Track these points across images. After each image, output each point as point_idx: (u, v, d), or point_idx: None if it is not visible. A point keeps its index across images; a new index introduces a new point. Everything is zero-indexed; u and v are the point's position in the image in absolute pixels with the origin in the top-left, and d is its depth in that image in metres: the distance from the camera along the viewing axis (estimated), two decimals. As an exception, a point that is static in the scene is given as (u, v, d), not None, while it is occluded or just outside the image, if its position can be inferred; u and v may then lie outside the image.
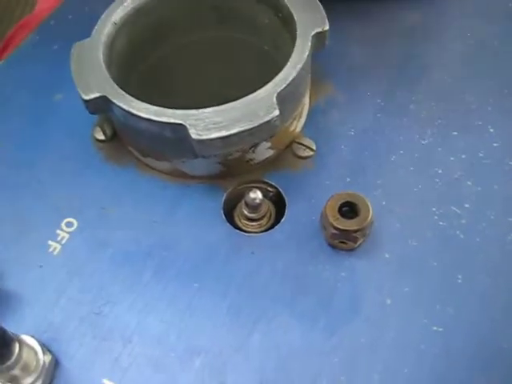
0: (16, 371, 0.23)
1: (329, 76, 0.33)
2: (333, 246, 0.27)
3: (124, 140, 0.30)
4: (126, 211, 0.29)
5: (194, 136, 0.25)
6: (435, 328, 0.25)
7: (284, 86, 0.26)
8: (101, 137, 0.31)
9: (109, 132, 0.31)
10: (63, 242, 0.28)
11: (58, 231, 0.28)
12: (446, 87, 0.32)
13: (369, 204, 0.26)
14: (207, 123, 0.26)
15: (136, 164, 0.30)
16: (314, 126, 0.31)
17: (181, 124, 0.26)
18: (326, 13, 0.28)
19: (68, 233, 0.28)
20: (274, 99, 0.26)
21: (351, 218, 0.26)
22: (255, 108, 0.26)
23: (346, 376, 0.25)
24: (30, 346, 0.24)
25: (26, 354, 0.23)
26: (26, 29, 0.43)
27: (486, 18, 0.35)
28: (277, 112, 0.26)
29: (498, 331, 0.25)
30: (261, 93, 0.26)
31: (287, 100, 0.27)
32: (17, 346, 0.23)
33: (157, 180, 0.30)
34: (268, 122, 0.26)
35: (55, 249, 0.28)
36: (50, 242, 0.28)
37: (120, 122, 0.28)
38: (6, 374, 0.23)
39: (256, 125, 0.26)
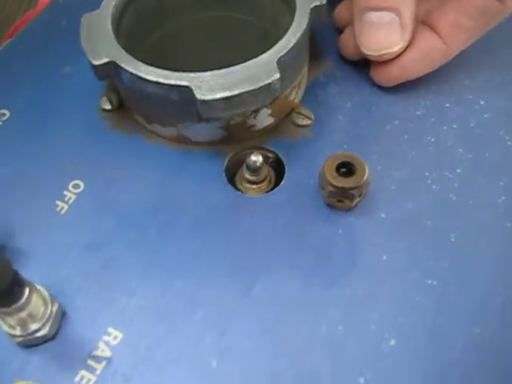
0: (24, 314, 0.24)
1: (328, 54, 0.35)
2: (331, 206, 0.28)
3: (130, 108, 0.32)
4: (132, 175, 0.30)
5: (198, 96, 0.27)
6: (430, 281, 0.27)
7: (284, 51, 0.28)
8: (107, 106, 0.32)
9: (115, 102, 0.32)
10: (70, 202, 0.29)
11: (66, 192, 0.29)
12: (441, 65, 0.34)
13: (365, 164, 0.27)
14: (211, 85, 0.27)
15: (142, 132, 0.31)
16: (313, 98, 0.33)
17: (187, 86, 0.27)
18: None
19: (75, 194, 0.29)
20: (275, 64, 0.27)
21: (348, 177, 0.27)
22: (257, 72, 0.27)
23: (343, 325, 0.25)
24: (39, 293, 0.25)
25: (34, 299, 0.24)
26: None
27: None
28: (277, 75, 0.27)
29: (490, 285, 0.26)
30: (262, 58, 0.28)
31: (287, 66, 0.28)
32: (27, 289, 0.24)
33: (162, 146, 0.31)
34: (269, 84, 0.27)
35: (62, 208, 0.29)
36: (57, 202, 0.29)
37: (127, 89, 0.30)
38: (15, 317, 0.24)
39: (257, 87, 0.27)
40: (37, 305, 0.24)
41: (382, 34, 0.29)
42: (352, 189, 0.27)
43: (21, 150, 0.31)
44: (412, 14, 0.29)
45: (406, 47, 0.30)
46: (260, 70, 0.27)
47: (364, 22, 0.30)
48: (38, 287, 0.25)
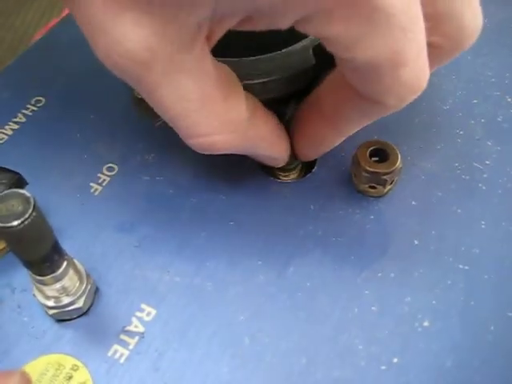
0: (60, 285, 0.24)
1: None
2: (362, 192, 0.29)
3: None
4: (165, 159, 0.30)
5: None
6: (461, 266, 0.27)
7: (319, 41, 0.29)
8: (140, 95, 0.33)
9: (148, 91, 0.33)
10: (104, 184, 0.30)
11: (100, 175, 0.30)
12: (468, 64, 0.34)
13: (397, 150, 0.28)
14: (248, 70, 0.28)
15: (174, 120, 0.32)
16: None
17: (224, 71, 0.28)
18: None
19: (109, 176, 0.30)
20: (311, 51, 0.28)
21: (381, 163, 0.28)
22: (293, 58, 0.28)
23: (377, 306, 0.26)
24: (76, 267, 0.25)
25: (71, 272, 0.24)
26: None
27: (502, 2, 0.37)
28: (313, 61, 0.28)
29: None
30: (297, 46, 0.28)
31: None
32: (65, 261, 0.24)
33: (194, 133, 0.31)
34: (305, 70, 0.28)
35: (96, 190, 0.29)
36: (91, 184, 0.30)
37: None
38: (52, 287, 0.24)
39: (293, 73, 0.28)
40: (73, 278, 0.25)
41: None
42: (385, 174, 0.27)
43: (58, 134, 0.32)
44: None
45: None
46: (296, 56, 0.28)
47: None
48: (75, 261, 0.25)
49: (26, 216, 0.20)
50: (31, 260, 0.22)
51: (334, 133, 0.27)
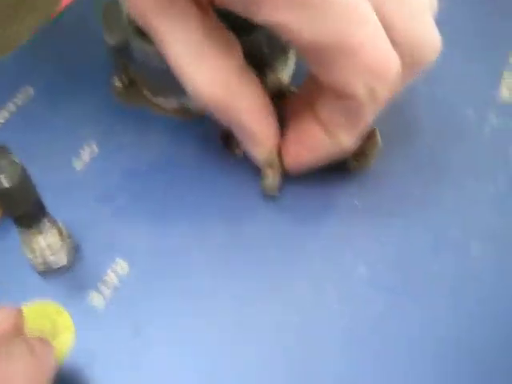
0: (43, 239, 0.28)
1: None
2: (346, 167, 0.32)
3: (139, 84, 0.36)
4: (139, 140, 0.34)
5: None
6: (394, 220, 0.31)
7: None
8: (119, 84, 0.37)
9: (126, 80, 0.37)
10: (86, 160, 0.34)
11: (81, 151, 0.34)
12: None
13: (374, 126, 0.30)
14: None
15: (148, 105, 0.36)
16: (299, 79, 0.37)
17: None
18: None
19: (89, 153, 0.34)
20: (264, 40, 0.32)
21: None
22: (248, 46, 0.32)
23: (320, 257, 0.29)
24: (57, 226, 0.29)
25: (54, 229, 0.28)
26: None
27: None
28: (266, 50, 0.32)
29: (445, 221, 0.30)
30: (253, 35, 0.32)
31: (273, 44, 0.33)
32: (48, 217, 0.28)
33: (166, 117, 0.35)
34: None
35: (78, 165, 0.33)
36: (73, 160, 0.34)
37: (137, 66, 0.34)
38: (35, 241, 0.28)
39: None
40: (55, 235, 0.28)
41: None
42: (367, 146, 0.31)
43: (42, 121, 0.36)
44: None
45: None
46: (251, 45, 0.32)
47: None
48: (57, 221, 0.29)
49: (15, 175, 0.24)
50: (19, 214, 0.26)
51: (330, 140, 0.28)
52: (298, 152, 0.30)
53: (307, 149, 0.29)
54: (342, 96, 0.25)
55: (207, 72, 0.27)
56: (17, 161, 0.25)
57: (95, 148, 0.34)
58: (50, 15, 0.43)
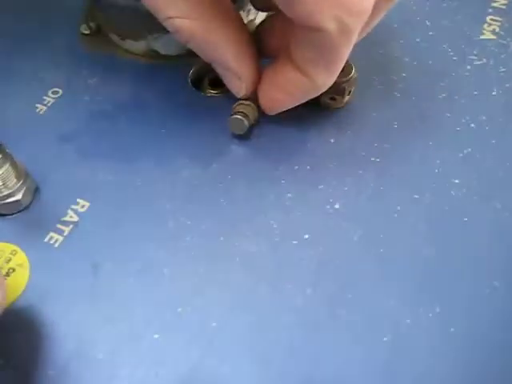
0: (-2, 175, 0.26)
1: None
2: (324, 105, 0.31)
3: (106, 28, 0.35)
4: (106, 82, 0.33)
5: None
6: (373, 159, 0.29)
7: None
8: (86, 31, 0.35)
9: (93, 26, 0.35)
10: (49, 104, 0.32)
11: (45, 97, 0.32)
12: None
13: (350, 62, 0.29)
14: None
15: (117, 50, 0.35)
16: (273, 22, 0.36)
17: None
18: None
19: (54, 98, 0.32)
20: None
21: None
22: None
23: (292, 193, 0.28)
24: (15, 163, 0.27)
25: (8, 165, 0.27)
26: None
27: None
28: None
29: (425, 154, 0.29)
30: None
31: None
32: (2, 153, 0.26)
33: (134, 61, 0.34)
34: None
35: (41, 110, 0.32)
36: (37, 105, 0.32)
37: (102, 6, 0.33)
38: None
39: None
40: (10, 172, 0.27)
41: None
42: (343, 83, 0.29)
43: (7, 64, 0.34)
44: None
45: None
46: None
47: None
48: (14, 158, 0.28)
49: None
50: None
51: (304, 79, 0.27)
52: (274, 94, 0.29)
53: (283, 90, 0.28)
54: (312, 30, 0.24)
55: (183, 6, 0.26)
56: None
57: (60, 92, 0.33)
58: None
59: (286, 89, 0.28)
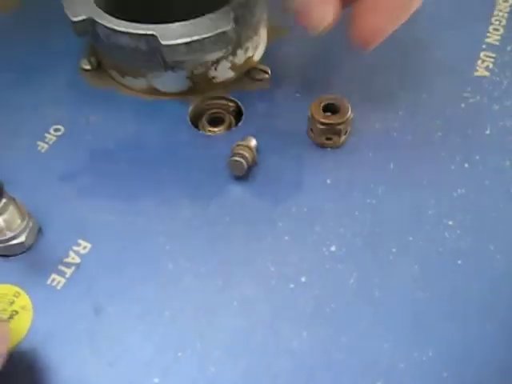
0: (1, 220, 0.27)
1: (286, 22, 0.38)
2: (319, 145, 0.32)
3: (107, 65, 0.35)
4: (107, 120, 0.34)
5: (163, 42, 0.30)
6: (368, 201, 0.30)
7: (239, 7, 0.32)
8: (87, 67, 0.36)
9: (94, 62, 0.36)
10: (50, 142, 0.33)
11: (47, 134, 0.33)
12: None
13: (347, 102, 0.31)
14: (174, 33, 0.31)
15: (117, 86, 0.35)
16: (271, 57, 0.36)
17: (153, 34, 0.31)
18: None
19: (55, 136, 0.33)
20: (231, 15, 0.31)
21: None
22: (215, 22, 0.31)
23: (289, 236, 0.28)
24: (18, 206, 0.28)
25: (12, 208, 0.27)
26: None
27: None
28: (232, 25, 0.31)
29: (422, 196, 0.29)
30: (220, 11, 0.32)
31: (243, 20, 0.32)
32: (5, 198, 0.27)
33: (134, 98, 0.35)
34: (225, 32, 0.31)
35: (43, 148, 0.32)
36: (38, 143, 0.33)
37: (103, 44, 0.33)
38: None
39: (214, 33, 0.31)
40: (14, 214, 0.28)
41: None
42: (339, 124, 0.30)
43: (9, 100, 0.35)
44: None
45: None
46: (217, 20, 0.31)
47: None
48: (17, 201, 0.28)
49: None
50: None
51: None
52: (376, 20, 0.28)
53: (385, 14, 0.28)
54: None
55: None
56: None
57: (61, 129, 0.33)
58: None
59: (389, 12, 0.28)
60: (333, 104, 0.31)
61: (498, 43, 0.37)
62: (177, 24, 0.31)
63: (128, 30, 0.31)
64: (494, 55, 0.36)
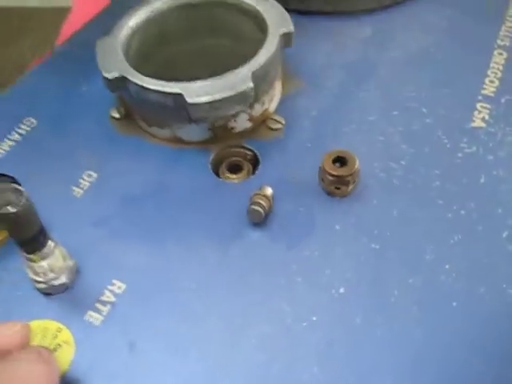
0: (46, 263, 0.30)
1: (299, 74, 0.42)
2: (329, 193, 0.35)
3: (134, 115, 0.39)
4: (135, 167, 0.37)
5: (188, 100, 0.34)
6: (373, 245, 0.33)
7: (257, 67, 0.35)
8: (116, 115, 0.39)
9: (123, 111, 0.39)
10: (85, 188, 0.36)
11: (81, 180, 0.36)
12: (390, 81, 0.41)
13: (355, 156, 0.34)
14: (198, 92, 0.34)
15: (144, 135, 0.39)
16: (285, 108, 0.40)
17: (179, 93, 0.34)
18: (297, 28, 0.37)
19: (89, 182, 0.36)
20: (250, 75, 0.35)
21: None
22: (235, 81, 0.35)
23: (301, 277, 0.32)
24: (60, 249, 0.31)
25: (57, 252, 0.31)
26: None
27: (425, 31, 0.44)
28: (251, 84, 0.34)
29: (419, 244, 0.33)
30: (240, 71, 0.35)
31: (260, 79, 0.36)
32: (52, 242, 0.30)
33: (160, 146, 0.38)
34: (244, 91, 0.34)
35: (78, 193, 0.36)
36: (73, 188, 0.36)
37: (133, 98, 0.37)
38: (39, 264, 0.30)
39: (234, 93, 0.34)
40: (58, 257, 0.31)
41: None
42: (347, 176, 0.34)
43: (45, 149, 0.38)
44: None
45: None
46: (237, 80, 0.35)
47: None
48: (59, 245, 0.31)
49: (20, 203, 0.26)
50: (24, 239, 0.28)
51: None
52: None
53: None
54: None
55: None
56: (21, 189, 0.27)
57: (94, 175, 0.37)
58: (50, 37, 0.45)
59: None
60: (342, 157, 0.34)
61: (493, 95, 0.40)
62: (200, 83, 0.35)
63: (157, 87, 0.35)
64: (489, 106, 0.39)
